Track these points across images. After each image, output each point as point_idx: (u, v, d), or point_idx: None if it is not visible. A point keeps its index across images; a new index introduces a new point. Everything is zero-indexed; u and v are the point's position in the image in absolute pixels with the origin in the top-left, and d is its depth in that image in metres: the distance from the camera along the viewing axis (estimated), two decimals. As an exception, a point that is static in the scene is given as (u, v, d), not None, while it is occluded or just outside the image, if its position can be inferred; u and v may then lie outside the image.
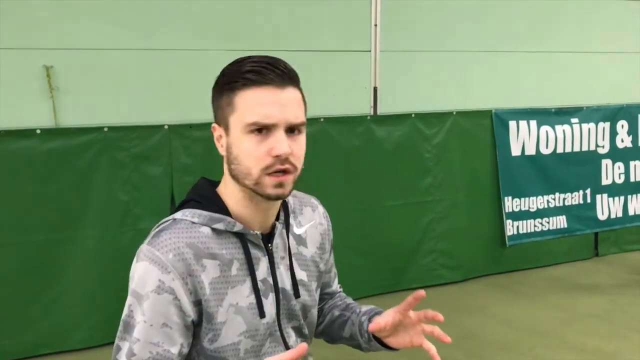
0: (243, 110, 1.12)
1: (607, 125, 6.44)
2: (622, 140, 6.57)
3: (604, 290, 5.56)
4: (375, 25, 5.21)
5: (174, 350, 1.12)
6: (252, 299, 1.18)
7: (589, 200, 6.44)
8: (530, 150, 6.02)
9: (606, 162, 6.50)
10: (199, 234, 1.15)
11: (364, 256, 5.24)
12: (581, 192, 6.39)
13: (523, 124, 5.97)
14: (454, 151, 5.61)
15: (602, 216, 6.56)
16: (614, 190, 6.60)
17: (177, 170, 4.53)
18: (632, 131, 6.60)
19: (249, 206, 1.19)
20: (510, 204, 5.95)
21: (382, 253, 5.34)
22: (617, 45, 6.44)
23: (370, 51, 5.23)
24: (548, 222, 6.19)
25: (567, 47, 6.15)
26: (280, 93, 1.13)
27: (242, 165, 1.14)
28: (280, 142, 1.12)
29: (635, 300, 5.26)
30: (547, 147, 6.11)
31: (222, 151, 1.20)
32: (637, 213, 6.72)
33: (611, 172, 6.55)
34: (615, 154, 6.53)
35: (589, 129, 6.34)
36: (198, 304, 1.14)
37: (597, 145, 6.41)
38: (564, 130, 6.18)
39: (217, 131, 1.20)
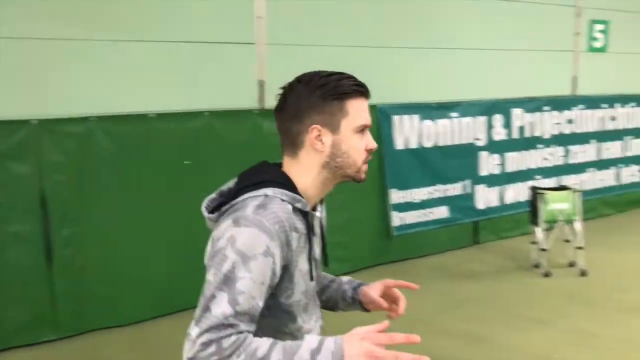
0: (354, 115, 1.46)
1: (484, 119, 6.77)
2: (498, 133, 6.94)
3: (482, 276, 5.85)
4: (260, 17, 5.14)
5: (261, 304, 1.34)
6: (307, 265, 1.47)
7: (468, 191, 6.74)
8: (413, 144, 6.21)
9: (484, 154, 6.83)
10: (287, 210, 1.40)
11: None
12: (461, 183, 6.67)
13: (406, 118, 6.13)
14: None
15: (480, 206, 6.90)
16: (491, 180, 6.96)
17: (47, 168, 4.23)
18: (506, 124, 6.98)
19: (320, 191, 1.51)
20: (395, 195, 6.10)
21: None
22: (493, 43, 6.77)
23: (254, 44, 5.15)
24: (431, 213, 6.42)
25: (447, 45, 6.38)
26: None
27: (351, 158, 1.47)
28: (372, 140, 1.52)
29: (510, 285, 5.56)
30: (429, 141, 6.32)
31: (322, 148, 1.46)
32: (512, 202, 7.13)
33: (488, 164, 6.90)
34: (492, 146, 6.88)
35: (468, 123, 6.64)
36: (286, 268, 1.40)
37: (475, 138, 6.72)
38: (444, 124, 6.43)
39: (318, 132, 1.46)
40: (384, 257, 6.11)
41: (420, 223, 6.34)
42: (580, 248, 5.77)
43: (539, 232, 5.85)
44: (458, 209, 6.64)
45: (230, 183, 1.54)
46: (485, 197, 6.94)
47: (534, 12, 7.29)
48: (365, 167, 1.51)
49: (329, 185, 1.52)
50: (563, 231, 5.91)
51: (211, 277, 1.32)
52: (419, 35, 6.18)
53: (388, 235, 6.08)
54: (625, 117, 8.37)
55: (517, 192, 7.14)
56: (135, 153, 4.56)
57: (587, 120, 7.88)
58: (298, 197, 1.43)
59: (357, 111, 1.47)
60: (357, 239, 5.84)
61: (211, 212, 1.47)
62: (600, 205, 8.14)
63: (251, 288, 1.31)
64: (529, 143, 7.25)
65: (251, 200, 1.39)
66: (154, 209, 4.63)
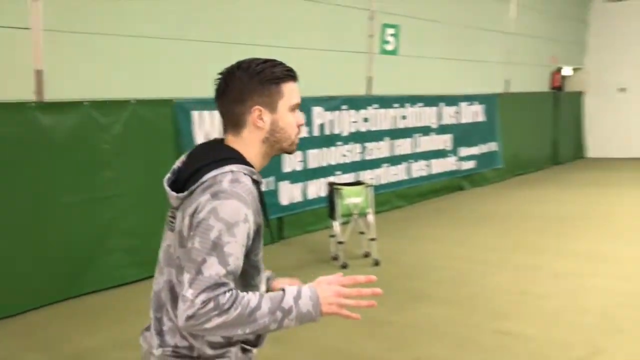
0: (288, 96, 1.68)
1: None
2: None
3: (285, 271, 5.87)
4: (36, 0, 4.63)
5: (242, 264, 1.56)
6: (262, 226, 1.67)
7: (272, 187, 6.79)
8: (215, 141, 6.07)
9: (286, 151, 6.92)
10: (249, 181, 1.61)
11: (33, 262, 4.67)
12: (265, 179, 6.69)
13: (206, 114, 5.98)
14: (134, 142, 5.34)
15: (284, 202, 6.99)
16: (294, 177, 7.09)
17: None
18: (307, 122, 7.15)
19: (261, 164, 1.72)
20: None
21: (55, 256, 4.82)
22: (293, 42, 6.87)
23: (30, 29, 4.63)
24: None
25: (247, 40, 6.34)
26: None
27: (287, 133, 1.70)
28: (301, 117, 1.75)
29: (310, 278, 5.64)
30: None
31: (263, 125, 1.67)
32: (314, 197, 7.34)
33: (291, 161, 7.01)
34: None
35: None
36: (257, 231, 1.63)
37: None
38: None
39: (259, 112, 1.67)
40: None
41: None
42: (373, 239, 6.09)
43: (337, 225, 6.07)
44: (262, 205, 6.64)
45: (179, 162, 1.72)
46: (289, 193, 7.06)
47: (332, 14, 7.56)
48: (297, 140, 1.75)
49: (267, 158, 1.75)
50: (358, 224, 6.20)
51: (197, 244, 1.51)
52: (219, 29, 6.05)
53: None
54: (415, 116, 9.06)
55: (319, 188, 7.36)
56: None
57: (381, 119, 8.38)
58: (254, 170, 1.66)
59: (291, 92, 1.70)
60: (157, 242, 5.55)
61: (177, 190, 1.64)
62: (393, 198, 8.72)
63: (236, 250, 1.52)
64: (329, 140, 7.52)
65: (222, 176, 1.58)
66: None
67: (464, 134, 10.20)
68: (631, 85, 15.50)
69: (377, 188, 7.62)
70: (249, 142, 1.69)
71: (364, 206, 6.13)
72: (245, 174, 1.61)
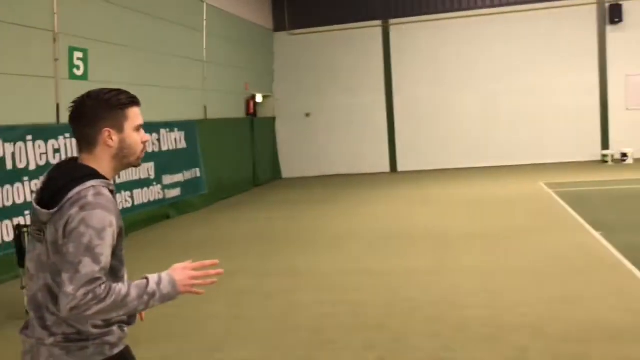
0: (132, 118, 2.03)
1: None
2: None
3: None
4: None
5: (110, 260, 1.91)
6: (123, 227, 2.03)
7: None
8: None
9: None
10: (108, 192, 1.95)
11: None
12: None
13: None
14: None
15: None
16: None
17: None
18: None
19: (112, 176, 2.04)
20: None
21: None
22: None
23: None
24: None
25: None
26: None
27: (133, 149, 2.04)
28: (145, 135, 2.10)
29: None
30: None
31: (112, 144, 2.00)
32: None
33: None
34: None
35: None
36: (120, 232, 1.96)
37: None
38: None
39: (108, 133, 1.99)
40: None
41: None
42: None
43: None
44: None
45: (41, 182, 1.98)
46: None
47: (10, 33, 6.70)
48: (142, 155, 2.06)
49: (117, 171, 2.06)
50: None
51: (72, 249, 1.83)
52: None
53: None
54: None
55: (3, 231, 6.38)
56: None
57: (75, 149, 7.68)
58: (110, 182, 1.97)
59: (135, 116, 2.02)
60: None
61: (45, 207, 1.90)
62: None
63: (106, 250, 1.86)
64: (13, 176, 6.58)
65: (86, 192, 1.87)
66: None
67: (166, 162, 10.00)
68: (315, 110, 17.18)
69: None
70: (102, 159, 2.01)
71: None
72: (104, 187, 1.93)
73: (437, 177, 14.90)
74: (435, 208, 10.34)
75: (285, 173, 17.27)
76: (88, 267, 1.80)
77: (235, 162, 13.70)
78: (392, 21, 16.49)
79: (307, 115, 17.17)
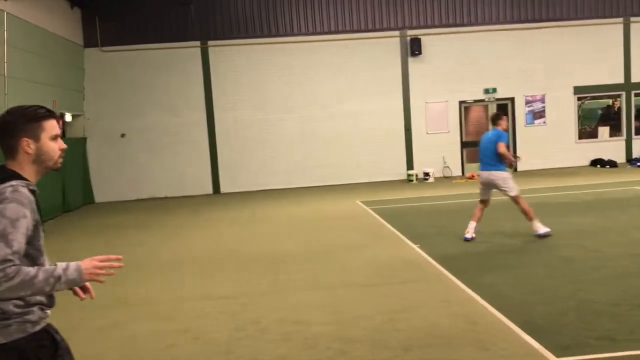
0: (49, 129, 2.42)
1: None
2: None
3: None
4: None
5: (24, 247, 2.25)
6: (40, 221, 2.38)
7: None
8: None
9: None
10: (27, 191, 2.31)
11: None
12: None
13: None
14: None
15: None
16: None
17: None
18: None
19: (37, 177, 2.44)
20: None
21: None
22: None
23: None
24: None
25: None
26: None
27: (49, 155, 2.42)
28: (62, 142, 2.50)
29: None
30: None
31: (30, 151, 2.39)
32: None
33: None
34: None
35: None
36: (36, 225, 2.31)
37: None
38: None
39: (27, 142, 2.38)
40: None
41: None
42: None
43: None
44: None
45: None
46: None
47: None
48: (61, 160, 2.49)
49: (39, 175, 2.46)
50: None
51: None
52: None
53: None
54: None
55: None
56: None
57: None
58: (30, 182, 2.37)
59: (51, 127, 2.44)
60: None
61: None
62: None
63: (19, 237, 2.20)
64: None
65: (5, 189, 2.27)
66: None
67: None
68: (133, 130, 16.38)
69: None
70: (23, 164, 2.40)
71: None
72: (22, 186, 2.30)
73: (261, 198, 15.04)
74: (264, 228, 10.40)
75: (99, 197, 16.20)
76: (2, 251, 2.15)
77: (40, 186, 12.42)
78: (210, 42, 16.41)
79: (123, 135, 16.32)
